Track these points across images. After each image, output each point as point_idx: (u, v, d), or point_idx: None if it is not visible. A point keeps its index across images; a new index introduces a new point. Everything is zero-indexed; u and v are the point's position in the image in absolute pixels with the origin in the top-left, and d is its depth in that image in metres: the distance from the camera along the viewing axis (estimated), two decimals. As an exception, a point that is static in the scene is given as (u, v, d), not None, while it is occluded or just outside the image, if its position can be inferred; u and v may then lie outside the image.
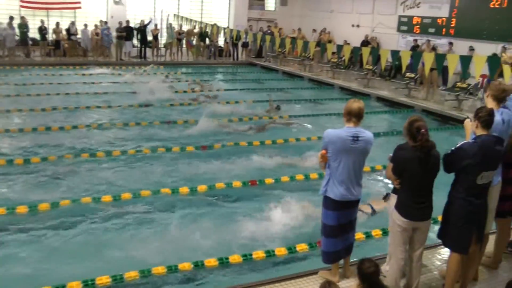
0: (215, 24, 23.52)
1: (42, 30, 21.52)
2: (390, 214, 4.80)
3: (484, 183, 4.55)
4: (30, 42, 21.74)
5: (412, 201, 4.52)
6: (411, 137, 4.42)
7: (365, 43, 21.78)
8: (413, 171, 4.44)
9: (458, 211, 4.60)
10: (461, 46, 18.02)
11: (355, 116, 4.66)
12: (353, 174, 4.69)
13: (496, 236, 5.57)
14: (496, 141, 4.56)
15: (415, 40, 20.18)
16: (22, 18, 21.20)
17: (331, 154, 4.67)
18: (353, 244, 5.14)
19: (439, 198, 4.75)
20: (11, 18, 20.61)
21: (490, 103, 4.94)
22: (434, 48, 18.58)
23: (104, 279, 5.23)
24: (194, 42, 24.54)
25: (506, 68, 11.70)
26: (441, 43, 19.26)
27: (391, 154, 4.62)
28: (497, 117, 4.75)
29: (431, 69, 14.96)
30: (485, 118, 4.53)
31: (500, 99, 4.97)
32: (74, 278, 5.20)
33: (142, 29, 22.87)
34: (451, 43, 18.38)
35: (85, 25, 22.28)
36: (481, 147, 4.44)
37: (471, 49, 17.45)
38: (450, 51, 17.40)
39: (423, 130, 4.32)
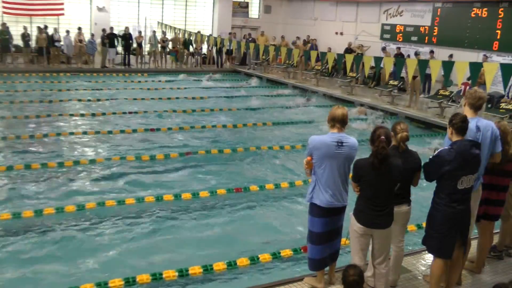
0: (199, 32, 23.49)
1: (25, 37, 21.27)
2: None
3: (465, 187, 4.58)
4: (13, 49, 21.48)
5: (368, 208, 4.52)
6: (371, 143, 4.48)
7: (349, 50, 21.94)
8: (367, 177, 4.48)
9: (441, 217, 4.63)
10: (443, 54, 18.24)
11: (339, 122, 4.69)
12: (338, 180, 4.69)
13: (479, 240, 5.63)
14: (472, 144, 4.60)
15: (398, 48, 20.37)
16: (3, 24, 20.98)
17: (316, 160, 4.68)
18: (339, 250, 5.13)
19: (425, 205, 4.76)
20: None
21: (467, 111, 4.99)
22: (416, 54, 18.79)
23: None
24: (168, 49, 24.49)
25: (487, 76, 11.86)
26: (423, 51, 19.47)
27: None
28: (472, 124, 4.80)
29: (414, 77, 15.10)
30: (459, 124, 4.60)
31: (476, 106, 5.01)
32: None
33: (126, 36, 22.73)
34: (432, 52, 18.59)
35: (67, 32, 22.04)
36: (458, 152, 4.49)
37: (450, 56, 17.67)
38: (432, 59, 17.56)
39: (382, 137, 4.36)
